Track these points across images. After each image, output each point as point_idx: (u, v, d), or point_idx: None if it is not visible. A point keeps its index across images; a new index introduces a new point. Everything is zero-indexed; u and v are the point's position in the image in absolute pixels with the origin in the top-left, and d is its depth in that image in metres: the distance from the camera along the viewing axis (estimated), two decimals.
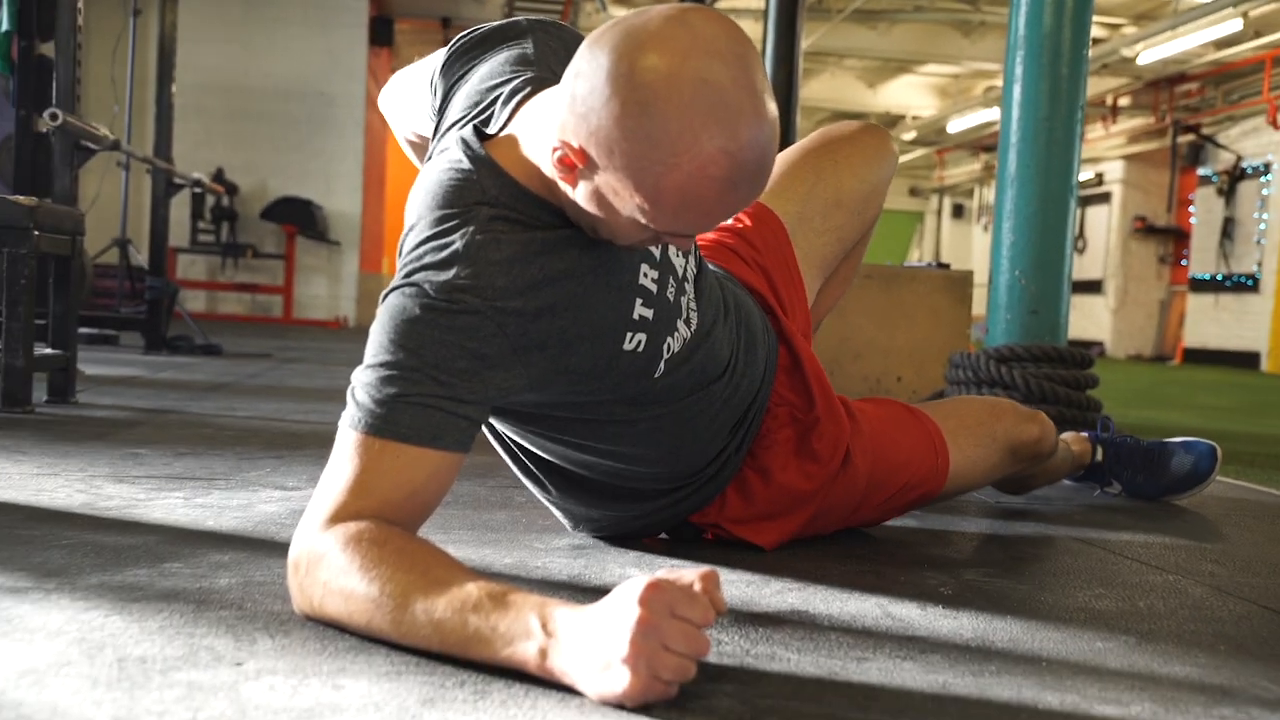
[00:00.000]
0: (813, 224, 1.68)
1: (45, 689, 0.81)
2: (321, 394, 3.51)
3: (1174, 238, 15.41)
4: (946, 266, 3.98)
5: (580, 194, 1.07)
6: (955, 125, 15.85)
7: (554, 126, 1.06)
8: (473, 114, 1.24)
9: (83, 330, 4.50)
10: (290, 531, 1.13)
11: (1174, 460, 2.08)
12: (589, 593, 1.19)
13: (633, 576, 1.00)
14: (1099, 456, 2.10)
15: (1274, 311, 12.59)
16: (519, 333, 1.11)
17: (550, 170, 1.10)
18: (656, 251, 1.27)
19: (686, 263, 1.34)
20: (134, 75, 5.58)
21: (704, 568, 0.87)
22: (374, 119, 11.04)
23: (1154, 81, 13.65)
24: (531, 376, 1.15)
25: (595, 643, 0.83)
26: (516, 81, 1.23)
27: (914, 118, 16.79)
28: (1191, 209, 14.53)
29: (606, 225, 1.10)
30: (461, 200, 1.13)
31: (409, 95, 1.44)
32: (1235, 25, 10.80)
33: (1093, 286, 15.69)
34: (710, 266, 1.50)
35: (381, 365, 1.05)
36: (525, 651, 0.86)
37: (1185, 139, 14.05)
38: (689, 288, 1.33)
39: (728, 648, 1.01)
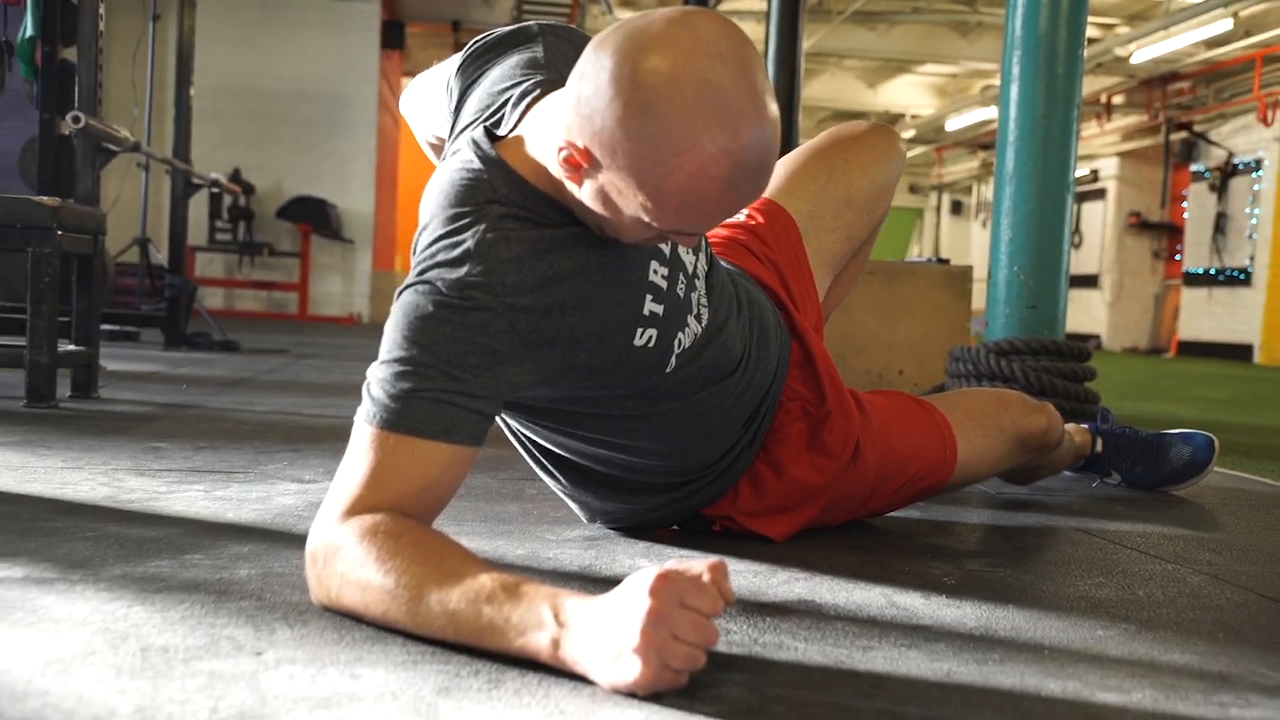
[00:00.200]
0: (824, 222, 1.70)
1: (71, 678, 0.82)
2: (337, 389, 3.53)
3: (1168, 233, 15.45)
4: (946, 262, 4.00)
5: (586, 193, 1.09)
6: (953, 124, 15.91)
7: (560, 127, 1.08)
8: (484, 116, 1.26)
9: (104, 327, 4.55)
10: (308, 524, 1.15)
11: (1172, 451, 2.09)
12: (600, 583, 1.21)
13: (642, 567, 1.01)
14: (1099, 448, 2.11)
15: (1266, 304, 12.61)
16: (529, 329, 1.13)
17: (557, 170, 1.12)
18: (666, 248, 1.28)
19: (697, 259, 1.35)
20: (153, 79, 5.65)
21: (712, 558, 0.88)
22: (386, 120, 11.10)
23: (1147, 80, 13.74)
24: (542, 372, 1.17)
25: (607, 633, 0.84)
26: (526, 84, 1.24)
27: (913, 117, 16.81)
28: (1185, 204, 14.56)
29: (612, 224, 1.11)
30: (473, 199, 1.14)
31: (427, 98, 1.46)
32: (1226, 25, 10.88)
33: (1089, 281, 15.73)
34: (723, 263, 1.52)
35: (396, 361, 1.07)
36: (538, 641, 0.87)
37: (1178, 136, 14.10)
38: (700, 284, 1.34)
39: (736, 637, 1.03)
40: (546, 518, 1.57)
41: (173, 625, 0.97)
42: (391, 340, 1.09)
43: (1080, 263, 15.58)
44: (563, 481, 1.45)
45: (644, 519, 1.48)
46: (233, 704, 0.79)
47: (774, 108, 1.04)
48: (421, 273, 1.12)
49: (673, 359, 1.28)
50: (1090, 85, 13.44)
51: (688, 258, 1.32)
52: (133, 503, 1.53)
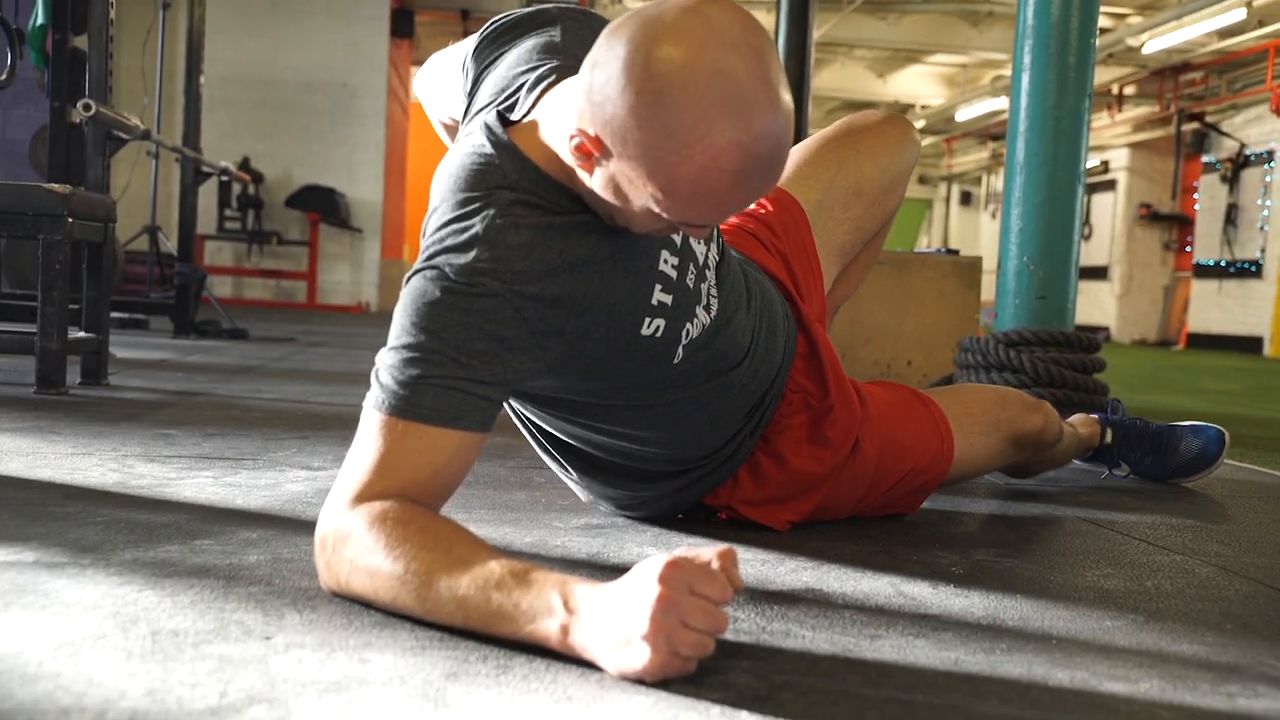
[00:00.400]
0: (833, 212, 1.69)
1: (82, 661, 0.83)
2: (344, 377, 3.54)
3: (1178, 224, 15.42)
4: (955, 252, 3.99)
5: (596, 181, 1.08)
6: (963, 114, 15.90)
7: (572, 114, 1.07)
8: (499, 99, 1.25)
9: (114, 315, 4.56)
10: (316, 510, 1.15)
11: (1182, 444, 2.08)
12: (608, 570, 1.21)
13: (651, 555, 1.02)
14: (1108, 439, 2.11)
15: (1277, 297, 12.59)
16: (537, 317, 1.13)
17: (568, 157, 1.11)
18: (677, 238, 1.28)
19: (708, 250, 1.35)
20: (163, 67, 5.66)
21: (721, 546, 0.88)
22: (395, 109, 11.10)
23: (1159, 71, 13.71)
24: (549, 360, 1.17)
25: (616, 619, 0.85)
26: (542, 69, 1.23)
27: (923, 107, 16.78)
28: (1196, 196, 14.52)
29: (622, 213, 1.11)
30: (483, 184, 1.14)
31: (443, 79, 1.45)
32: (1239, 15, 10.85)
33: (1099, 272, 15.71)
34: (733, 252, 1.51)
35: (404, 347, 1.07)
36: (547, 628, 0.88)
37: (1189, 127, 14.08)
38: (710, 274, 1.34)
39: (744, 625, 1.03)
40: (554, 505, 1.58)
41: (183, 609, 0.97)
42: (400, 326, 1.09)
43: (1090, 254, 15.56)
44: (568, 468, 1.45)
45: (647, 506, 1.48)
46: (242, 687, 0.79)
47: (788, 99, 1.03)
48: (430, 257, 1.11)
49: (680, 349, 1.28)
50: (1102, 76, 13.42)
51: (698, 248, 1.32)
52: (142, 488, 1.54)
